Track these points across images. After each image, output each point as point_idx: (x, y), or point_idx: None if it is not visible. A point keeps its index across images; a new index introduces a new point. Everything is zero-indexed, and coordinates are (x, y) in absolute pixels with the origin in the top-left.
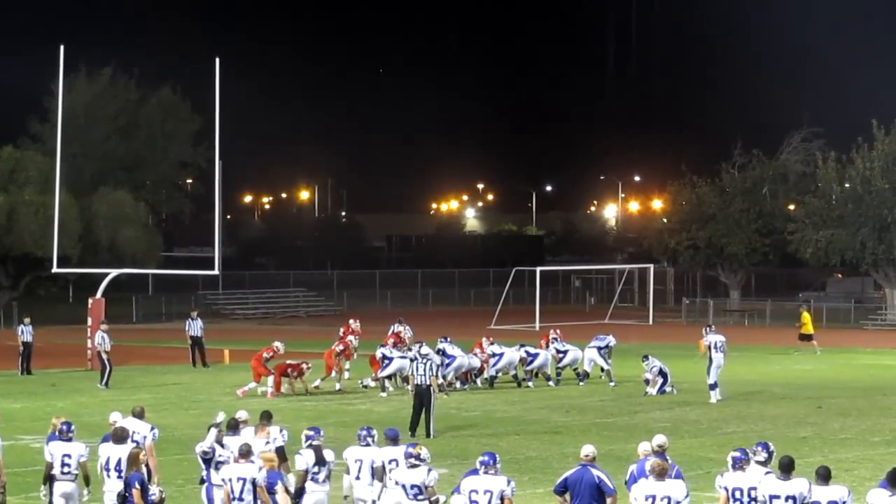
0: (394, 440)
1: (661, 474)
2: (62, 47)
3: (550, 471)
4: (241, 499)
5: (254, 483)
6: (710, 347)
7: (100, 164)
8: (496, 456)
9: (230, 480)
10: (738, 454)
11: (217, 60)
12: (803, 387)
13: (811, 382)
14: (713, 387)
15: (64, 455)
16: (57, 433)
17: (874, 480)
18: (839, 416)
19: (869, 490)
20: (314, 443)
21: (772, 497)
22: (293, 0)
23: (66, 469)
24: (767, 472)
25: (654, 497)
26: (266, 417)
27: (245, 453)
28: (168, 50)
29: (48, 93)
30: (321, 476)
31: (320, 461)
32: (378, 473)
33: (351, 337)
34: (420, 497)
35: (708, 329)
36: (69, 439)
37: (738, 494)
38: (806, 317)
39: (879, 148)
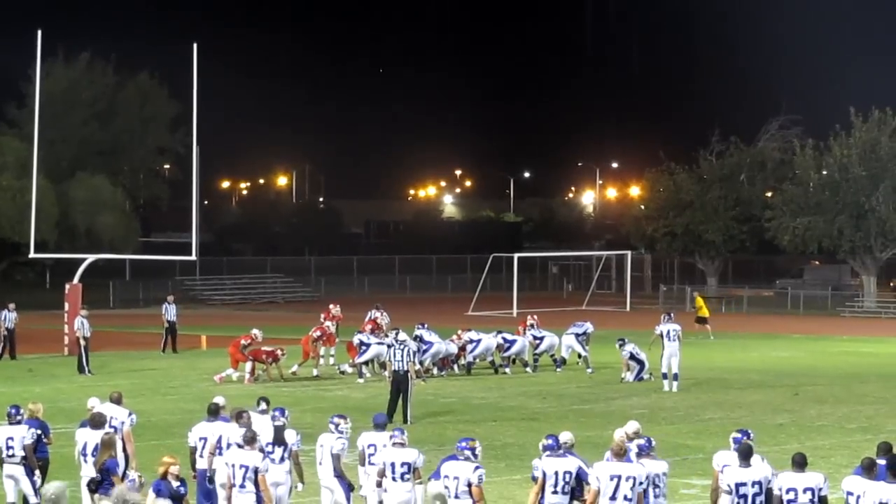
0: (380, 426)
1: (620, 455)
2: (39, 32)
3: (527, 457)
4: (242, 486)
5: (255, 471)
6: (662, 336)
7: (77, 150)
8: (467, 441)
9: (232, 466)
10: (643, 442)
11: (195, 46)
12: (780, 374)
13: (788, 369)
14: (666, 376)
15: (8, 438)
16: (6, 416)
17: (850, 467)
18: (816, 403)
19: (845, 477)
20: (276, 423)
21: (738, 485)
22: None
23: (10, 452)
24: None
25: (619, 477)
26: (264, 403)
27: (250, 440)
28: (146, 35)
29: (25, 78)
30: (277, 455)
31: (278, 441)
32: (360, 459)
33: (328, 322)
34: (406, 477)
35: (666, 317)
36: (17, 422)
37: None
38: (700, 301)
39: (857, 135)
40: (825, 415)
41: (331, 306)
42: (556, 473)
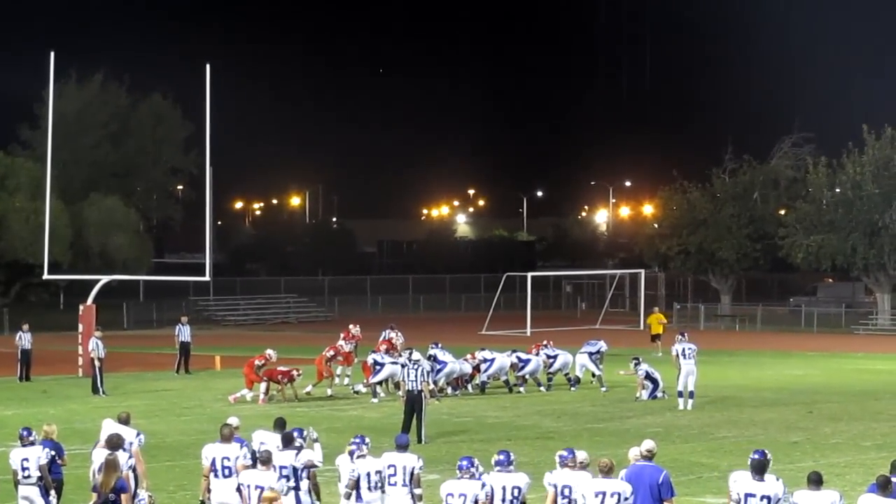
0: (402, 448)
1: (608, 472)
2: (52, 54)
3: (542, 476)
4: None
5: None
6: (677, 356)
7: (90, 171)
8: (473, 459)
9: (248, 487)
10: (564, 453)
11: (208, 66)
12: (795, 392)
13: (802, 387)
14: (681, 394)
15: (23, 460)
16: (18, 439)
17: (865, 485)
18: (830, 420)
19: (860, 495)
20: (263, 448)
21: (747, 495)
22: (283, 7)
23: (26, 473)
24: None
25: (603, 493)
26: (280, 425)
27: (266, 461)
28: (159, 56)
29: (39, 99)
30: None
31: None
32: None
33: (341, 342)
34: (378, 484)
35: (680, 336)
36: (31, 444)
37: (566, 492)
38: (658, 317)
39: (870, 153)
40: (840, 432)
41: (350, 326)
42: (504, 488)
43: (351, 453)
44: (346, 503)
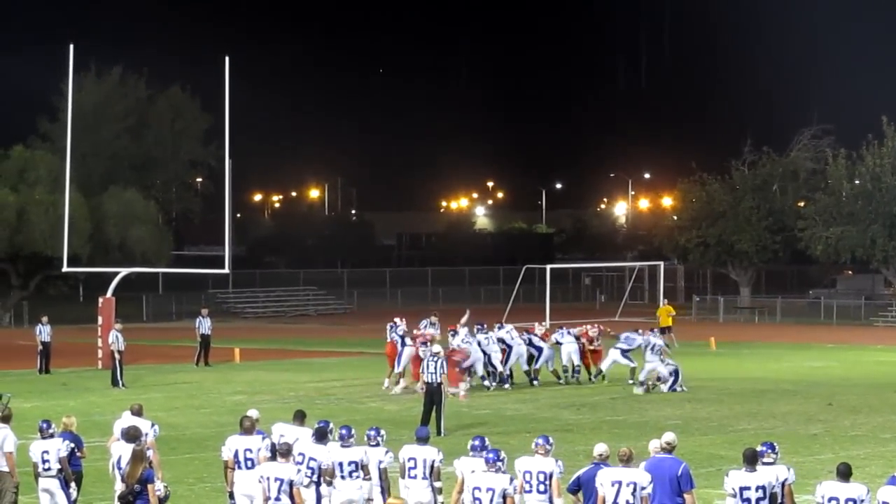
0: (422, 440)
1: (627, 461)
2: (72, 46)
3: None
4: (277, 499)
5: (290, 484)
6: (644, 348)
7: (109, 164)
8: (499, 452)
9: (267, 479)
10: (540, 440)
11: (227, 59)
12: (814, 384)
13: (822, 379)
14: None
15: (43, 452)
16: (38, 431)
17: (885, 477)
18: (850, 413)
19: (879, 487)
20: (282, 440)
21: (742, 489)
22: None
23: (46, 465)
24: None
25: (619, 482)
26: (299, 417)
27: (285, 453)
28: (177, 49)
29: (58, 92)
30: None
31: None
32: (436, 473)
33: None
34: (355, 475)
35: (651, 334)
36: (50, 436)
37: (527, 477)
38: (670, 309)
39: (889, 145)
40: (859, 425)
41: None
42: (474, 472)
43: (341, 437)
44: (328, 489)
